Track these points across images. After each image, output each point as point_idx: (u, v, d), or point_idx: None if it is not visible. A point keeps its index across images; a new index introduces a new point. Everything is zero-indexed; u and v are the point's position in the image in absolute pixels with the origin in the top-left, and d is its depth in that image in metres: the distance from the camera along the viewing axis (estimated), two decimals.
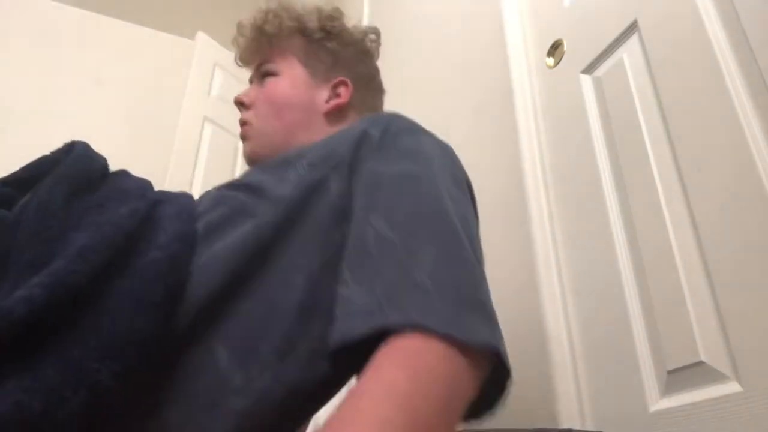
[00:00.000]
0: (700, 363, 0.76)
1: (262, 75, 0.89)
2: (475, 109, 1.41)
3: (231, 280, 0.53)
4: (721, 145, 0.79)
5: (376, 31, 0.98)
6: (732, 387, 0.72)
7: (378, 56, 0.99)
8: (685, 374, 0.78)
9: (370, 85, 0.94)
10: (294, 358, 0.53)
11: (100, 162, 0.62)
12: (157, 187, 0.65)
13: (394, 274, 0.49)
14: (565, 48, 1.17)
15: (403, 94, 1.93)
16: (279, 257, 0.56)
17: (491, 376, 0.52)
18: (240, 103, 0.89)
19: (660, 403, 0.81)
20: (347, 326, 0.47)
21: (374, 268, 0.50)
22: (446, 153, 0.69)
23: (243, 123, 0.87)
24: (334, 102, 0.88)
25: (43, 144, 0.68)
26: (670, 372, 0.80)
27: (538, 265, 1.06)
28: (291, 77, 0.88)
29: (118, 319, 0.44)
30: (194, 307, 0.51)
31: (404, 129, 0.67)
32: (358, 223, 0.56)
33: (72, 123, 2.44)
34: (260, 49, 0.90)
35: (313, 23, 0.90)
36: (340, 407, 0.41)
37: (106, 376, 0.42)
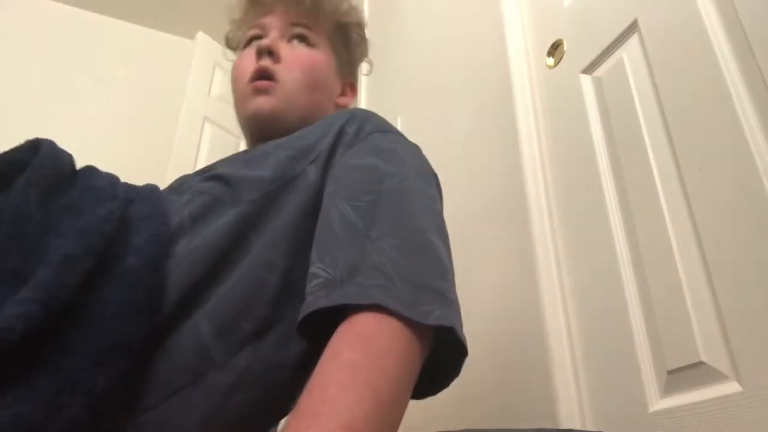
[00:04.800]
0: (700, 363, 0.76)
1: (294, 36, 0.85)
2: (475, 109, 1.41)
3: (215, 266, 0.56)
4: (721, 145, 0.79)
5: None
6: (732, 387, 0.72)
7: None
8: (685, 374, 0.78)
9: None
10: (273, 336, 0.56)
11: (68, 160, 0.61)
12: None
13: (356, 254, 0.52)
14: (565, 48, 1.17)
15: (404, 94, 1.93)
16: (259, 242, 0.59)
17: (448, 354, 0.55)
18: (269, 52, 0.80)
19: (660, 403, 0.81)
20: (311, 299, 0.50)
21: (338, 247, 0.54)
22: (416, 152, 0.72)
23: (269, 75, 0.79)
24: (343, 100, 0.91)
25: None
26: (670, 372, 0.80)
27: (538, 265, 1.06)
28: (327, 56, 0.87)
29: (104, 327, 0.45)
30: (180, 293, 0.52)
31: (377, 128, 0.70)
32: (326, 207, 0.60)
33: (72, 123, 2.44)
34: (308, 12, 0.86)
35: (355, 21, 0.94)
36: (307, 397, 0.42)
37: (101, 381, 0.43)
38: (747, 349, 0.71)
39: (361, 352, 0.45)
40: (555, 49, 1.21)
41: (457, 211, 1.41)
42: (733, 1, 0.83)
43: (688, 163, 0.84)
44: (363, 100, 2.32)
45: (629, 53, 1.01)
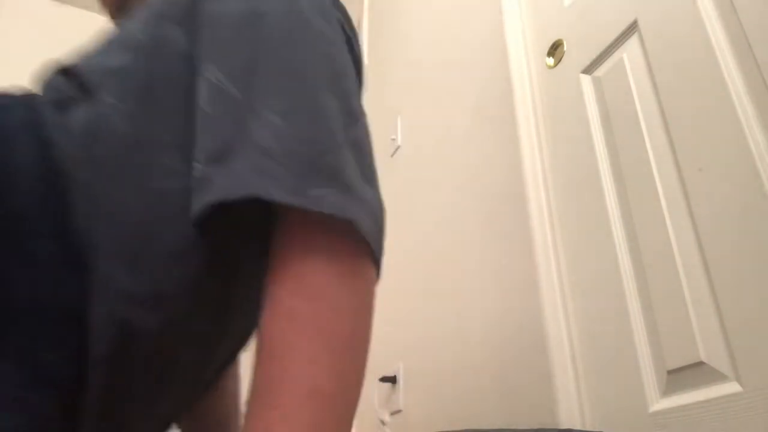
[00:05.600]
0: (700, 363, 0.76)
1: None
2: (475, 109, 1.41)
3: (99, 170, 0.46)
4: (721, 145, 0.79)
5: None
6: (732, 387, 0.72)
7: None
8: (685, 374, 0.78)
9: None
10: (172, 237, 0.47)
11: None
12: None
13: (231, 132, 0.42)
14: (565, 48, 1.17)
15: (404, 94, 1.93)
16: (140, 138, 0.48)
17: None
18: None
19: (660, 403, 0.81)
20: (194, 200, 0.42)
21: (210, 130, 0.44)
22: None
23: None
24: None
25: None
26: (670, 372, 0.81)
27: (538, 265, 1.06)
28: None
29: (26, 287, 0.40)
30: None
31: None
32: (197, 80, 0.48)
33: None
34: None
35: None
36: (261, 373, 0.38)
37: (42, 348, 0.39)
38: (747, 349, 0.71)
39: (293, 292, 0.39)
40: (555, 49, 1.21)
41: (457, 211, 1.41)
42: (733, 1, 0.83)
43: (687, 163, 0.84)
44: (363, 101, 2.32)
45: (629, 53, 1.01)
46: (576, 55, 1.14)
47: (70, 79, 0.51)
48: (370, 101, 2.27)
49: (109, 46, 0.53)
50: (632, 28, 1.00)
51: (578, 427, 0.91)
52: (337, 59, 0.50)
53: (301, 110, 0.44)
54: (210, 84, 0.45)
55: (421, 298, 1.50)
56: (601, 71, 1.08)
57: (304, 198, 0.40)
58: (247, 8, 0.48)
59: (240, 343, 0.58)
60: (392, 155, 1.90)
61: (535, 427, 0.96)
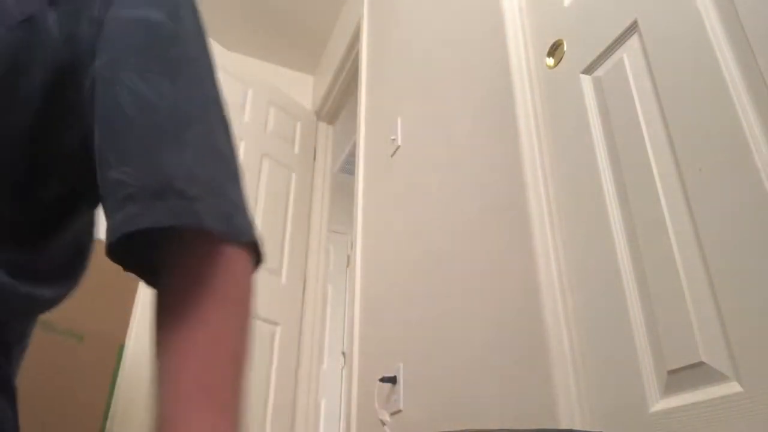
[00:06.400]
0: (700, 363, 0.76)
1: None
2: (475, 109, 1.41)
3: None
4: (721, 145, 0.79)
5: None
6: (732, 387, 0.72)
7: None
8: (685, 374, 0.78)
9: None
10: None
11: None
12: None
13: (168, 155, 0.45)
14: (565, 48, 1.17)
15: (404, 95, 1.93)
16: None
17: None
18: None
19: (660, 403, 0.81)
20: (123, 216, 0.43)
21: (142, 144, 0.45)
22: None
23: None
24: None
25: None
26: (670, 372, 0.80)
27: (538, 264, 1.06)
28: None
29: None
30: None
31: None
32: (107, 82, 0.47)
33: None
34: None
35: None
36: (186, 365, 0.41)
37: None
38: (747, 349, 0.71)
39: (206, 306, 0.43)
40: (555, 49, 1.21)
41: (457, 211, 1.41)
42: (733, 1, 0.83)
43: (687, 163, 0.84)
44: (363, 101, 2.32)
45: (629, 53, 1.01)
46: (576, 55, 1.14)
47: None
48: (371, 101, 2.27)
49: None
50: (632, 28, 1.00)
51: (578, 427, 0.91)
52: (217, 81, 0.55)
53: (213, 143, 0.49)
54: (132, 92, 0.46)
55: (421, 298, 1.50)
56: (601, 71, 1.08)
57: (234, 229, 0.47)
58: (155, 20, 0.50)
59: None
60: (392, 155, 1.90)
61: (535, 427, 0.96)
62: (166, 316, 0.44)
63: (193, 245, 0.45)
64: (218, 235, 0.45)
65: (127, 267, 0.47)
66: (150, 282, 0.48)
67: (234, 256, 0.46)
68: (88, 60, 0.48)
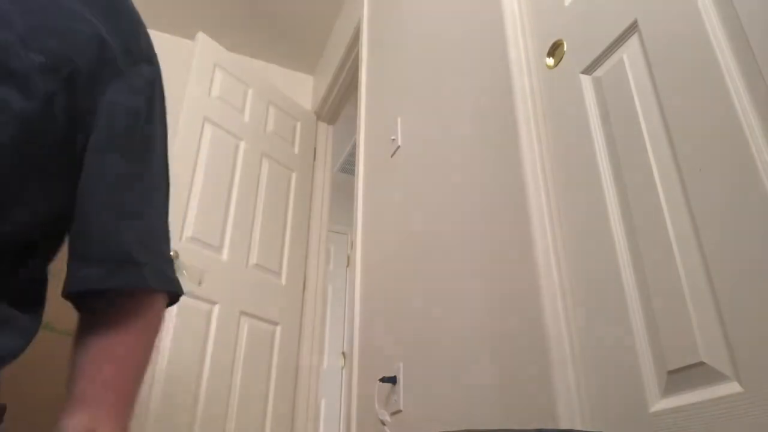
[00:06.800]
0: (700, 363, 0.76)
1: None
2: (475, 109, 1.41)
3: None
4: (721, 145, 0.79)
5: None
6: (732, 387, 0.72)
7: None
8: (685, 374, 0.78)
9: None
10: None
11: None
12: None
13: (139, 229, 0.61)
14: (565, 48, 1.17)
15: (403, 95, 1.93)
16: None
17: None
18: None
19: (660, 403, 0.81)
20: (96, 276, 0.58)
21: (113, 220, 0.59)
22: (161, 89, 0.70)
23: None
24: None
25: None
26: (670, 372, 0.80)
27: (538, 265, 1.06)
28: None
29: None
30: None
31: (145, 52, 0.65)
32: (99, 152, 0.58)
33: None
34: None
35: None
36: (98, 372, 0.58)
37: None
38: (747, 349, 0.71)
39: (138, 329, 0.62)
40: (555, 49, 1.21)
41: (457, 211, 1.41)
42: (733, 1, 0.83)
43: (687, 163, 0.84)
44: (363, 102, 2.32)
45: (629, 53, 1.01)
46: (576, 55, 1.14)
47: None
48: (371, 101, 2.27)
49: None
50: (632, 28, 1.00)
51: (578, 427, 0.91)
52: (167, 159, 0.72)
53: (162, 220, 0.66)
54: (116, 172, 0.60)
55: (421, 298, 1.50)
56: (601, 71, 1.08)
57: (174, 285, 0.67)
58: (139, 110, 0.63)
59: None
60: (392, 155, 1.90)
61: (535, 427, 0.96)
62: (100, 327, 0.59)
63: (135, 293, 0.62)
64: (155, 289, 0.63)
65: (68, 299, 0.60)
66: (78, 306, 0.62)
67: (158, 299, 0.64)
68: (82, 139, 0.58)
